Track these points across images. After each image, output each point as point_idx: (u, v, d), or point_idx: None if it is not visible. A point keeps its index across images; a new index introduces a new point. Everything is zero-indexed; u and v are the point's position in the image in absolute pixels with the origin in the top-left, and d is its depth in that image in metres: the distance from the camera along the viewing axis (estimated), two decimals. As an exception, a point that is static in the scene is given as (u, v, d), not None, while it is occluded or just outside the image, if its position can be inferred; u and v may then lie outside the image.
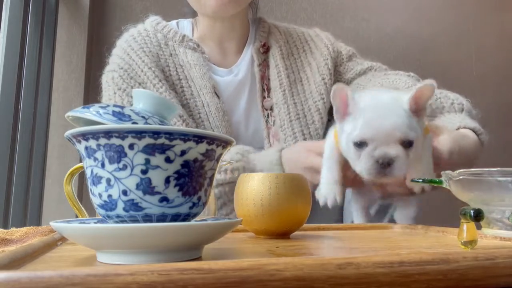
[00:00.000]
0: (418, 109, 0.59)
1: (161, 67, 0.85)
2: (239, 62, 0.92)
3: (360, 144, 0.57)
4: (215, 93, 0.86)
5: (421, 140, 0.59)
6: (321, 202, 0.65)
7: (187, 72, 0.86)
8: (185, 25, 0.95)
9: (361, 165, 0.58)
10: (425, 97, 0.58)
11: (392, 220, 0.74)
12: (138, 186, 0.30)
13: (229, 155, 0.75)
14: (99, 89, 0.88)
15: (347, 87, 0.60)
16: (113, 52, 0.88)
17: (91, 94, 1.25)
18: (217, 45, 0.92)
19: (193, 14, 0.95)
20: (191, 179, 0.32)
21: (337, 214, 0.83)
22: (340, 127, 0.62)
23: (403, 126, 0.56)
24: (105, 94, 0.85)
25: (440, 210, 0.90)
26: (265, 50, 0.92)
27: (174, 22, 0.94)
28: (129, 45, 0.86)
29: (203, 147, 0.32)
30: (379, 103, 0.59)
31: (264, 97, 0.90)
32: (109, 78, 0.84)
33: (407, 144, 0.56)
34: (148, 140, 0.30)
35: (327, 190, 0.64)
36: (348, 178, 0.67)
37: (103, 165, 0.31)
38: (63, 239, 0.43)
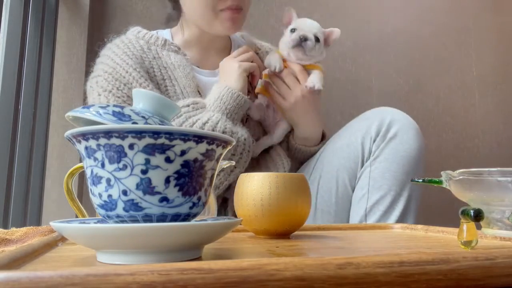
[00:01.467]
0: (326, 40, 0.94)
1: (145, 68, 0.88)
2: None
3: (293, 30, 0.92)
4: (198, 92, 0.89)
5: (322, 53, 0.94)
6: (272, 67, 0.92)
7: (171, 73, 0.89)
8: (164, 33, 0.98)
9: (290, 39, 0.91)
10: (334, 36, 0.95)
11: None
12: (138, 186, 0.30)
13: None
14: (84, 95, 0.90)
15: (293, 9, 0.95)
16: (97, 61, 0.91)
17: (91, 94, 1.25)
18: (201, 50, 0.97)
19: (175, 21, 0.99)
20: (191, 179, 0.32)
21: (347, 215, 0.88)
22: (285, 32, 0.96)
23: (318, 29, 0.92)
24: (89, 98, 0.87)
25: (440, 210, 0.90)
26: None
27: (154, 31, 0.97)
28: (113, 52, 0.88)
29: (203, 147, 0.32)
30: (309, 20, 0.94)
31: None
32: (93, 83, 0.86)
33: (316, 39, 0.91)
34: (148, 140, 0.30)
35: (275, 60, 0.93)
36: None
37: (103, 165, 0.31)
38: (63, 239, 0.44)
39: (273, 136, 0.95)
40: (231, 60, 0.90)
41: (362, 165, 0.86)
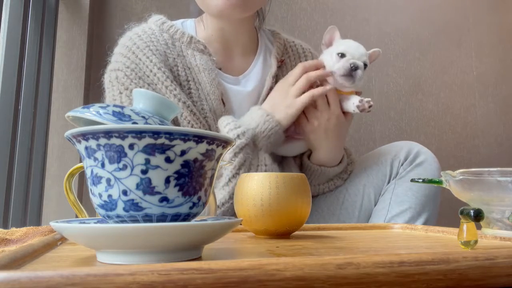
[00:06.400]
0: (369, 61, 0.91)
1: (169, 66, 0.82)
2: (247, 73, 0.91)
3: (342, 55, 0.85)
4: (222, 100, 0.85)
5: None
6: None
7: (195, 75, 0.84)
8: (189, 25, 0.92)
9: (339, 65, 0.84)
10: (374, 57, 0.91)
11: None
12: (138, 186, 0.30)
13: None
14: (101, 89, 0.86)
15: (335, 28, 0.90)
16: (115, 50, 0.84)
17: (91, 94, 1.25)
18: (223, 47, 0.90)
19: (199, 12, 0.93)
20: (191, 179, 0.32)
21: (367, 215, 0.91)
22: (326, 52, 0.90)
23: (366, 56, 0.87)
24: (108, 94, 0.82)
25: (440, 210, 0.91)
26: (280, 65, 0.93)
27: (179, 22, 0.91)
28: (134, 43, 0.82)
29: (203, 147, 0.32)
30: (356, 44, 0.89)
31: None
32: (113, 78, 0.80)
33: (364, 66, 0.86)
34: (148, 140, 0.30)
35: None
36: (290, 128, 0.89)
37: (103, 165, 0.31)
38: (63, 239, 0.44)
39: (281, 148, 0.90)
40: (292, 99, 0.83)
41: (388, 183, 0.90)
